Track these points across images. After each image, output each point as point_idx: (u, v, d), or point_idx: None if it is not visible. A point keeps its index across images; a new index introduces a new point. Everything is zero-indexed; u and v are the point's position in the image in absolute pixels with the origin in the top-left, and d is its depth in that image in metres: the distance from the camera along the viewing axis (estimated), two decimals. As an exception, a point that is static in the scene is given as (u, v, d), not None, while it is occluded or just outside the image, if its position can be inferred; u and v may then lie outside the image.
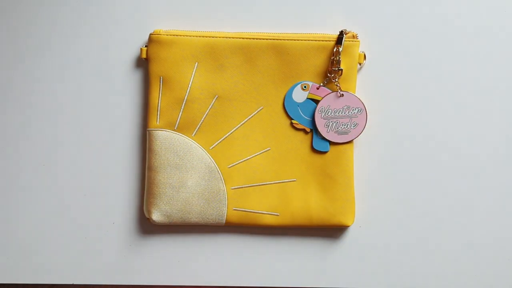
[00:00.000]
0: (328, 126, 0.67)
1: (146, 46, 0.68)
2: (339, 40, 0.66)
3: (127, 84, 0.70)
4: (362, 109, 0.67)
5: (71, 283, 0.71)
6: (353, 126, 0.68)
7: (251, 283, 0.70)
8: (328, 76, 0.67)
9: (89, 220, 0.71)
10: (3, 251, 0.71)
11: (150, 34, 0.67)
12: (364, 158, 0.70)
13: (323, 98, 0.67)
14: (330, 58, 0.67)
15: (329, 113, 0.67)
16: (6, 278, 0.71)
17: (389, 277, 0.70)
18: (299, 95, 0.68)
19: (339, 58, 0.66)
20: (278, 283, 0.70)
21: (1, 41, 0.70)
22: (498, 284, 0.70)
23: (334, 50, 0.66)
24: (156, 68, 0.67)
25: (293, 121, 0.68)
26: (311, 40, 0.67)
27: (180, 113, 0.68)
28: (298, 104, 0.68)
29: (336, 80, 0.67)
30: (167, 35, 0.67)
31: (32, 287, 0.72)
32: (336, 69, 0.66)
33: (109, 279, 0.71)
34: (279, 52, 0.67)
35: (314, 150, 0.68)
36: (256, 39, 0.67)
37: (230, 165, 0.68)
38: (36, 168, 0.71)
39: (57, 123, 0.70)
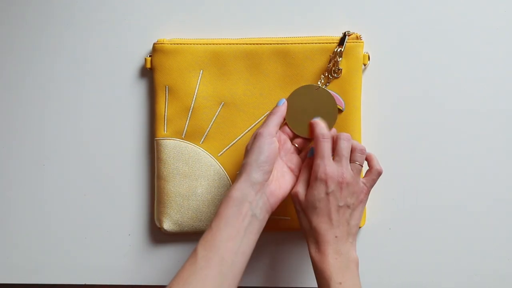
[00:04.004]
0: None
1: (150, 56, 0.68)
2: (341, 41, 0.66)
3: (133, 94, 0.70)
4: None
5: (71, 283, 0.72)
6: None
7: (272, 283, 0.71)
8: (325, 76, 0.66)
9: (96, 228, 0.71)
10: (3, 251, 0.72)
11: (154, 43, 0.67)
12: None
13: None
14: (330, 58, 0.66)
15: None
16: (6, 278, 0.72)
17: (400, 277, 0.70)
18: (304, 98, 0.68)
19: (337, 58, 0.66)
20: (292, 283, 0.71)
21: (7, 51, 0.71)
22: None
23: (335, 50, 0.66)
24: (161, 78, 0.67)
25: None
26: (315, 43, 0.67)
27: (187, 121, 0.68)
28: (304, 108, 0.68)
29: (330, 78, 0.66)
30: (171, 44, 0.67)
31: (32, 287, 0.73)
32: (337, 69, 0.66)
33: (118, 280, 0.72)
34: (284, 56, 0.67)
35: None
36: (260, 44, 0.67)
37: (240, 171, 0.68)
38: (50, 179, 0.71)
39: (64, 137, 0.71)
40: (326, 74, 0.67)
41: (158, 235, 0.71)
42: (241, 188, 0.57)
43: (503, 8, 0.69)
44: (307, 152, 0.63)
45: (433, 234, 0.70)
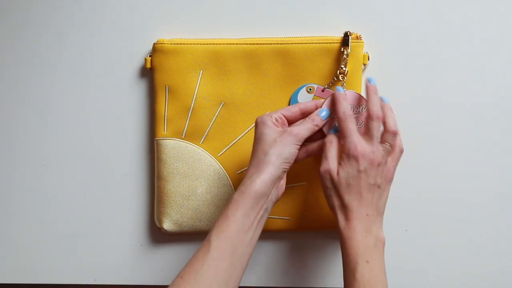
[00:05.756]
0: (333, 128, 0.66)
1: (150, 56, 0.68)
2: (345, 42, 0.66)
3: (133, 94, 0.70)
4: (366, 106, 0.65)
5: (71, 283, 0.72)
6: (359, 125, 0.65)
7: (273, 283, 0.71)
8: (335, 79, 0.67)
9: (97, 228, 0.71)
10: (3, 251, 0.72)
11: (154, 43, 0.67)
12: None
13: (325, 100, 0.65)
14: (338, 60, 0.67)
15: (333, 115, 0.65)
16: (6, 278, 0.72)
17: (398, 277, 0.70)
18: (304, 98, 0.68)
19: (346, 60, 0.66)
20: (292, 283, 0.71)
21: (7, 50, 0.71)
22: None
23: (343, 51, 0.66)
24: (161, 78, 0.67)
25: (299, 124, 0.68)
26: (315, 43, 0.67)
27: (187, 121, 0.68)
28: (304, 108, 0.68)
29: (344, 80, 0.66)
30: (171, 44, 0.67)
31: (32, 287, 0.73)
32: (344, 70, 0.66)
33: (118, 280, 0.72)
34: (284, 56, 0.67)
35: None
36: (260, 44, 0.67)
37: (239, 171, 0.68)
38: (51, 179, 0.71)
39: (64, 137, 0.71)
40: (341, 76, 0.66)
41: (158, 235, 0.71)
42: (266, 182, 0.57)
43: (503, 8, 0.69)
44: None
45: (432, 235, 0.70)
